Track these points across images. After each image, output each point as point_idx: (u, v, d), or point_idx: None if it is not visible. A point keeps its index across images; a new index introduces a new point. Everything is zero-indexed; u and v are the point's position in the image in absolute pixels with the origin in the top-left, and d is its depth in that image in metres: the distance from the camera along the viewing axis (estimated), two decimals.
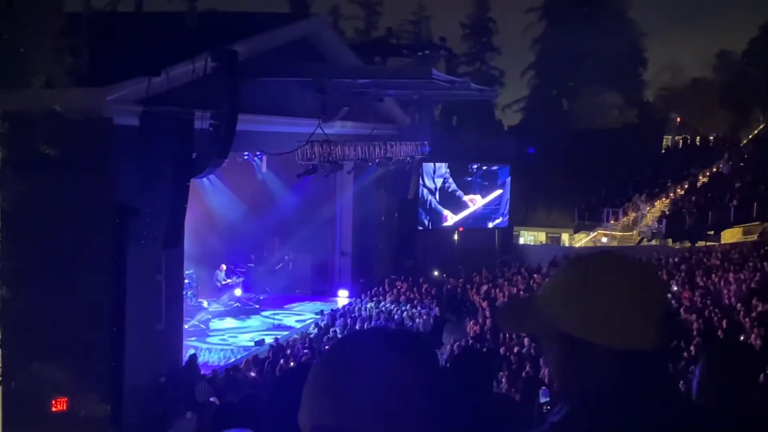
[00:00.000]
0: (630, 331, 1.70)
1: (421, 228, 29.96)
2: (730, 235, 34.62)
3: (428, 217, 30.14)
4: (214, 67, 15.82)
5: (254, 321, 23.74)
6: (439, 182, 30.19)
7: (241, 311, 24.38)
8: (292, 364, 16.95)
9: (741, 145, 49.76)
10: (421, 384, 1.52)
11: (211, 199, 24.63)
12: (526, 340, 17.77)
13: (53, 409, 12.18)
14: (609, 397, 1.71)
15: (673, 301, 20.39)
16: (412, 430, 1.51)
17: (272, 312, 24.52)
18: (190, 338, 20.47)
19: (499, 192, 31.54)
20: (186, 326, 19.55)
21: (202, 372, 17.46)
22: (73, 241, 13.60)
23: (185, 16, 16.12)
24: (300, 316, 24.58)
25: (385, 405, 1.49)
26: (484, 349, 17.14)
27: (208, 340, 21.64)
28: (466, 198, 30.81)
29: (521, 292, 23.69)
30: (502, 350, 17.40)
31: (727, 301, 20.25)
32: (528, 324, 1.91)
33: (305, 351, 18.88)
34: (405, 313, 22.89)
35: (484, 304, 22.90)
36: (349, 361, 1.55)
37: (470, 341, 19.13)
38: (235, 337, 22.11)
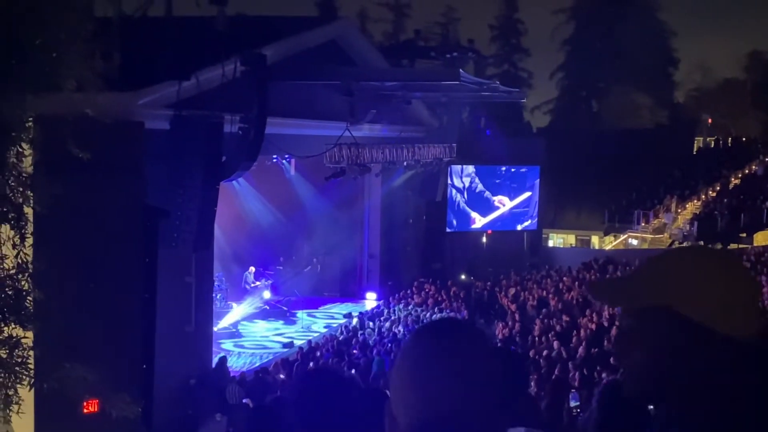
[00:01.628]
0: (748, 321, 1.61)
1: (449, 230, 29.90)
2: (763, 237, 34.15)
3: (456, 220, 30.07)
4: (243, 70, 15.91)
5: (288, 324, 23.83)
6: (467, 184, 30.11)
7: (270, 313, 24.48)
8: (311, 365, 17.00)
9: None
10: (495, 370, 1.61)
11: (240, 202, 24.76)
12: (555, 343, 17.66)
13: (84, 410, 12.29)
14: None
15: None
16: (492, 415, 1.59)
17: (305, 312, 24.62)
18: (222, 340, 20.60)
19: (527, 194, 31.40)
20: (215, 328, 19.66)
21: (231, 374, 17.55)
22: (104, 243, 13.72)
23: (215, 20, 16.22)
24: (329, 320, 24.64)
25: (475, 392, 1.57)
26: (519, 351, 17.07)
27: (242, 342, 21.75)
28: (494, 200, 30.70)
29: (549, 296, 23.56)
30: (531, 353, 17.30)
31: (759, 305, 19.98)
32: (630, 298, 1.70)
33: (332, 353, 18.91)
34: (433, 316, 22.84)
35: (513, 307, 22.80)
36: (434, 353, 1.60)
37: (499, 344, 19.04)
38: (269, 339, 22.22)
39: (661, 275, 1.65)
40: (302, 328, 23.27)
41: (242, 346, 21.37)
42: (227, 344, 20.96)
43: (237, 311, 23.50)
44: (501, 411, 1.60)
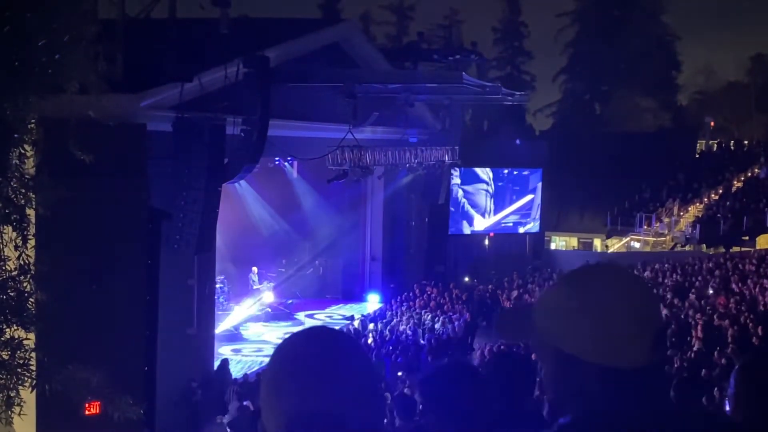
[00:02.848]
0: (621, 348, 1.67)
1: (451, 233, 29.89)
2: (766, 241, 34.09)
3: (459, 222, 30.07)
4: (246, 73, 15.92)
5: (289, 326, 23.82)
6: (469, 187, 30.11)
7: (272, 316, 24.47)
8: None
9: None
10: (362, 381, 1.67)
11: (242, 204, 24.77)
12: None
13: (86, 412, 12.29)
14: (608, 411, 1.68)
15: (708, 308, 20.14)
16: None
17: (307, 314, 24.62)
18: (224, 343, 20.59)
19: (530, 197, 31.39)
20: (217, 331, 19.65)
21: (233, 377, 17.55)
22: (106, 245, 13.73)
23: (217, 22, 16.23)
24: (330, 322, 24.62)
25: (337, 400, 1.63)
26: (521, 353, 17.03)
27: (244, 345, 21.73)
28: (491, 203, 30.70)
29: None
30: (533, 356, 17.27)
31: (762, 308, 19.95)
32: (523, 335, 1.91)
33: None
34: (436, 318, 22.82)
35: None
36: (310, 353, 1.68)
37: (501, 346, 19.02)
38: (271, 342, 22.22)
39: (541, 312, 1.78)
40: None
41: (244, 349, 21.36)
42: (229, 347, 20.95)
43: (238, 313, 23.48)
44: (363, 413, 1.64)
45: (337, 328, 1.88)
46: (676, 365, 14.61)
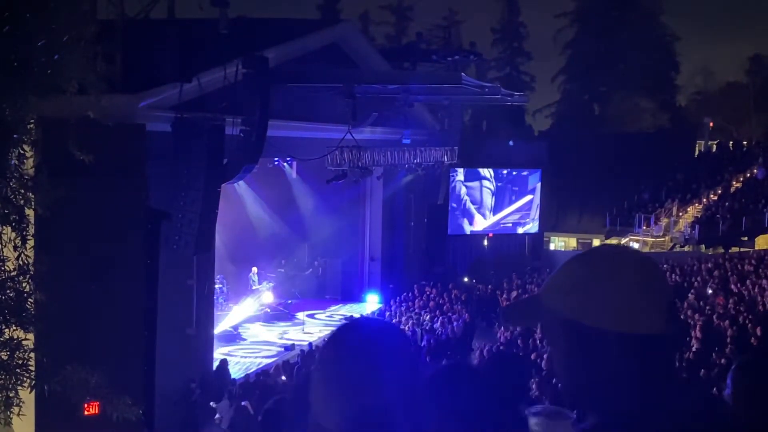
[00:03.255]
0: (635, 316, 1.70)
1: (450, 233, 29.90)
2: (765, 241, 34.11)
3: (458, 223, 30.07)
4: (245, 73, 15.93)
5: (289, 327, 23.81)
6: (473, 184, 30.13)
7: (271, 316, 24.46)
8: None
9: None
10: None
11: (241, 204, 24.77)
12: None
13: (85, 412, 12.29)
14: (631, 405, 1.70)
15: (707, 308, 20.15)
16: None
17: (306, 314, 24.62)
18: (223, 343, 20.58)
19: (529, 197, 31.40)
20: (216, 331, 19.64)
21: (232, 377, 17.55)
22: (105, 245, 13.73)
23: (217, 22, 16.23)
24: (330, 322, 24.62)
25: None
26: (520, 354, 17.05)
27: (243, 345, 21.73)
28: (493, 202, 30.71)
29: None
30: (533, 356, 17.29)
31: (761, 308, 19.97)
32: (533, 317, 1.90)
33: None
34: (435, 318, 22.83)
35: None
36: (362, 348, 1.68)
37: (501, 347, 19.03)
38: (270, 342, 22.21)
39: (554, 288, 1.79)
40: (303, 330, 23.24)
41: (243, 349, 21.36)
42: (228, 347, 20.94)
43: (237, 313, 23.48)
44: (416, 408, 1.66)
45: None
46: (675, 365, 14.58)
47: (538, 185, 31.55)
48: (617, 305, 1.70)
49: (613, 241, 40.95)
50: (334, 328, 1.78)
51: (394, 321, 22.58)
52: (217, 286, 20.93)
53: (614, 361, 1.70)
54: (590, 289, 1.72)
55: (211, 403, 15.75)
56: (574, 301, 1.74)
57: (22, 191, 7.96)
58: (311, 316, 25.08)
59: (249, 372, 18.70)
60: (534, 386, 14.87)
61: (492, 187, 30.56)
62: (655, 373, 1.71)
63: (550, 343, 1.84)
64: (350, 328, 1.75)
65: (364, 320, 1.79)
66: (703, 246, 35.22)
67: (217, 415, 15.56)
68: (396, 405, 1.62)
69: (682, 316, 19.26)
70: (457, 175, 29.49)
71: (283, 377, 17.73)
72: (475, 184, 30.22)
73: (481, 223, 30.67)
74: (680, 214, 39.26)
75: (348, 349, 1.68)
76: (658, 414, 1.70)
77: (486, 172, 30.46)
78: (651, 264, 1.79)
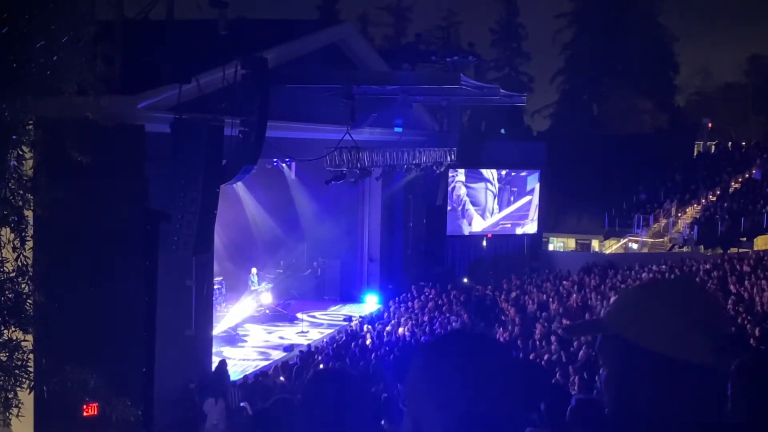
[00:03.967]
0: (690, 342, 1.79)
1: (449, 234, 29.91)
2: (763, 242, 34.13)
3: (457, 223, 30.08)
4: (244, 74, 15.92)
5: (288, 328, 23.80)
6: (473, 185, 30.14)
7: (270, 317, 24.46)
8: (321, 366, 17.00)
9: None
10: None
11: (240, 205, 24.76)
12: (553, 347, 17.66)
13: (84, 413, 12.29)
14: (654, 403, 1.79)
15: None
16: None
17: (305, 315, 24.60)
18: (222, 344, 20.57)
19: (528, 198, 31.41)
20: (215, 332, 19.63)
21: (231, 378, 17.53)
22: (104, 246, 13.72)
23: (216, 23, 16.23)
24: (329, 323, 24.63)
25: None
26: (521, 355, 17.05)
27: (242, 346, 21.72)
28: (495, 204, 30.72)
29: (550, 299, 23.56)
30: (531, 356, 17.29)
31: (760, 309, 19.98)
32: (594, 332, 2.01)
33: (331, 356, 18.91)
34: (434, 319, 22.81)
35: (513, 310, 22.78)
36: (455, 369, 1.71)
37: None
38: (269, 343, 22.20)
39: (620, 309, 1.91)
40: (302, 331, 23.23)
41: (242, 350, 21.35)
42: (227, 348, 20.94)
43: (236, 314, 23.47)
44: (519, 421, 1.72)
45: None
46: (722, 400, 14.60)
47: (537, 186, 31.56)
48: (675, 329, 1.80)
49: (613, 242, 41.00)
50: (440, 336, 1.83)
51: (393, 322, 22.58)
52: (216, 287, 20.91)
53: (664, 386, 1.80)
54: (653, 311, 1.83)
55: (204, 407, 15.72)
56: (636, 319, 1.84)
57: (21, 192, 7.96)
58: (310, 317, 25.07)
59: (248, 373, 18.69)
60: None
61: (492, 188, 30.57)
62: (700, 403, 1.80)
63: (605, 362, 1.93)
64: (458, 337, 1.81)
65: (470, 331, 1.84)
66: (701, 247, 35.24)
67: (214, 421, 15.54)
68: (497, 414, 1.68)
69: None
70: (456, 175, 29.51)
71: (282, 378, 17.73)
72: (474, 185, 30.23)
73: (479, 224, 30.67)
74: (679, 214, 39.29)
75: (458, 357, 1.73)
76: None
77: (487, 173, 30.48)
78: (710, 300, 1.90)
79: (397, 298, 25.52)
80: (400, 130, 24.77)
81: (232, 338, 22.11)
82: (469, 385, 1.68)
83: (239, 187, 22.09)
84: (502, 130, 32.58)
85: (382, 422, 6.97)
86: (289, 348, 21.14)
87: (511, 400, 1.71)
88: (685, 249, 35.60)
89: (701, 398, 1.80)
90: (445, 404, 1.68)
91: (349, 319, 24.36)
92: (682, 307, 1.83)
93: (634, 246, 38.82)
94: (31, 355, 8.18)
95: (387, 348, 19.53)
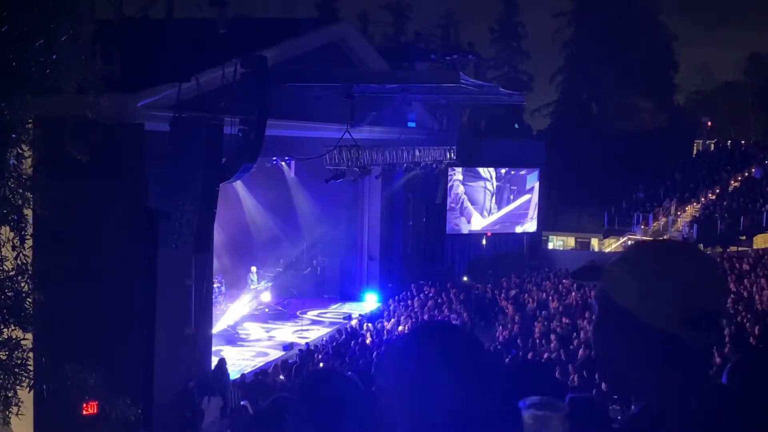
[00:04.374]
0: (667, 315, 1.72)
1: (449, 232, 29.91)
2: (763, 240, 34.16)
3: (456, 222, 30.08)
4: (243, 72, 15.91)
5: (287, 326, 23.80)
6: (471, 184, 30.14)
7: (269, 315, 24.47)
8: (321, 365, 17.02)
9: None
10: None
11: (240, 204, 24.75)
12: (553, 345, 17.69)
13: (84, 412, 12.29)
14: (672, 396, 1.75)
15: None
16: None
17: (304, 313, 24.61)
18: (221, 342, 20.58)
19: (527, 197, 31.41)
20: (214, 330, 19.63)
21: (230, 377, 17.54)
22: (104, 245, 13.72)
23: (215, 22, 16.22)
24: (329, 320, 24.63)
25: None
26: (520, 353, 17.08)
27: (241, 345, 21.72)
28: (493, 202, 30.73)
29: (549, 298, 23.57)
30: (530, 355, 17.31)
31: (759, 307, 19.99)
32: (595, 278, 1.93)
33: (331, 355, 18.92)
34: (434, 317, 22.83)
35: (512, 308, 22.79)
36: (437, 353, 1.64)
37: (499, 347, 19.05)
38: (268, 342, 22.20)
39: (615, 268, 1.82)
40: (301, 329, 23.24)
41: (241, 348, 21.35)
42: (226, 347, 20.94)
43: (236, 313, 23.48)
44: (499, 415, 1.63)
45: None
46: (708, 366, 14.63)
47: (537, 184, 31.56)
48: (657, 298, 1.73)
49: (612, 240, 41.01)
50: (417, 327, 1.76)
51: (392, 320, 22.59)
52: (215, 285, 20.91)
53: (644, 349, 1.74)
54: (646, 279, 1.76)
55: (201, 406, 15.73)
56: (627, 284, 1.77)
57: (21, 191, 7.96)
58: (310, 315, 25.08)
59: (246, 372, 18.70)
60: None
61: (491, 187, 30.58)
62: (685, 369, 1.75)
63: (598, 309, 1.87)
64: (432, 330, 1.73)
65: (443, 324, 1.75)
66: (701, 245, 35.26)
67: (210, 419, 15.55)
68: (471, 410, 1.61)
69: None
70: (455, 174, 29.51)
71: (282, 376, 17.73)
72: (473, 183, 30.23)
73: (479, 223, 30.67)
74: (678, 213, 39.32)
75: (431, 352, 1.66)
76: (686, 410, 1.75)
77: (485, 171, 30.49)
78: (711, 268, 1.82)
79: (396, 297, 25.52)
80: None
81: (232, 337, 22.11)
82: (438, 377, 1.61)
83: (239, 185, 22.09)
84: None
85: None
86: (288, 347, 21.14)
87: (486, 397, 1.64)
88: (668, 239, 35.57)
89: (684, 368, 1.75)
90: (413, 396, 1.62)
91: (348, 317, 24.37)
92: (676, 271, 1.75)
93: None
94: (30, 354, 8.18)
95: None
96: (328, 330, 23.29)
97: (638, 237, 38.71)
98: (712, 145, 51.95)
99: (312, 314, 25.24)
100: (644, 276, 1.76)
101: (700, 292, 1.75)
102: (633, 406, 1.84)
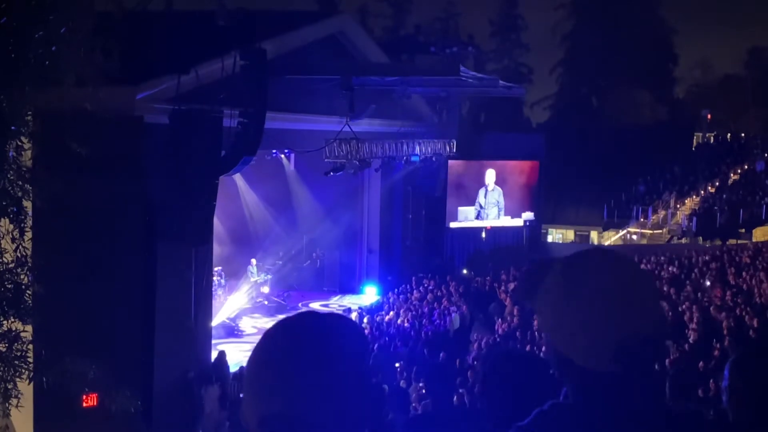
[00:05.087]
0: (579, 345, 1.65)
1: (448, 225, 29.91)
2: (762, 233, 34.18)
3: (455, 215, 30.08)
4: (243, 65, 15.88)
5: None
6: (465, 179, 30.12)
7: (269, 308, 24.48)
8: None
9: None
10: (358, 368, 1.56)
11: (239, 196, 24.75)
12: None
13: (84, 404, 12.32)
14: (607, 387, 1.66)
15: (704, 300, 20.20)
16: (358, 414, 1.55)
17: (304, 306, 24.63)
18: (221, 335, 20.59)
19: (527, 190, 31.39)
20: (214, 323, 19.65)
21: (230, 369, 17.56)
22: (104, 238, 13.73)
23: (215, 14, 16.19)
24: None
25: (331, 389, 1.52)
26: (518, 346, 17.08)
27: (241, 339, 21.75)
28: (493, 196, 30.72)
29: None
30: (527, 348, 17.32)
31: (758, 300, 20.01)
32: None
33: None
34: (433, 310, 22.85)
35: (511, 301, 22.79)
36: (288, 347, 1.55)
37: (498, 339, 19.06)
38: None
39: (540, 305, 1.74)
40: None
41: (241, 341, 21.37)
42: (226, 339, 20.96)
43: (235, 305, 23.49)
44: (350, 413, 1.55)
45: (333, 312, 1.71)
46: (672, 357, 14.67)
47: (536, 177, 31.52)
48: (562, 326, 1.65)
49: (611, 233, 41.04)
50: (276, 322, 1.64)
51: (392, 312, 22.60)
52: (215, 278, 20.92)
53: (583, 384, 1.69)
54: (561, 301, 1.67)
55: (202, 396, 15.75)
56: (548, 306, 1.71)
57: (20, 183, 7.96)
58: (310, 307, 25.11)
59: (244, 364, 18.69)
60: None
61: (489, 180, 30.55)
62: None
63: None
64: (287, 325, 1.61)
65: (306, 318, 1.61)
66: (700, 238, 35.30)
67: (207, 410, 15.57)
68: (323, 414, 1.51)
69: (678, 308, 19.30)
70: (455, 167, 29.46)
71: None
72: (472, 176, 30.19)
73: (479, 216, 30.65)
74: (678, 206, 39.34)
75: (277, 349, 1.56)
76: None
77: (485, 164, 30.42)
78: (633, 287, 1.68)
79: (396, 290, 25.54)
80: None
81: (232, 329, 22.13)
82: (289, 379, 1.51)
83: (238, 178, 22.07)
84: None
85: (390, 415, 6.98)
86: None
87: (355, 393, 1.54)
88: (683, 240, 35.65)
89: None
90: (261, 397, 1.54)
91: (348, 310, 24.38)
92: (602, 292, 1.62)
93: (633, 237, 38.86)
94: (30, 346, 8.20)
95: (386, 339, 19.57)
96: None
97: (638, 230, 38.77)
98: (712, 138, 51.98)
99: (312, 307, 25.25)
100: (567, 302, 1.66)
101: (630, 318, 1.62)
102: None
